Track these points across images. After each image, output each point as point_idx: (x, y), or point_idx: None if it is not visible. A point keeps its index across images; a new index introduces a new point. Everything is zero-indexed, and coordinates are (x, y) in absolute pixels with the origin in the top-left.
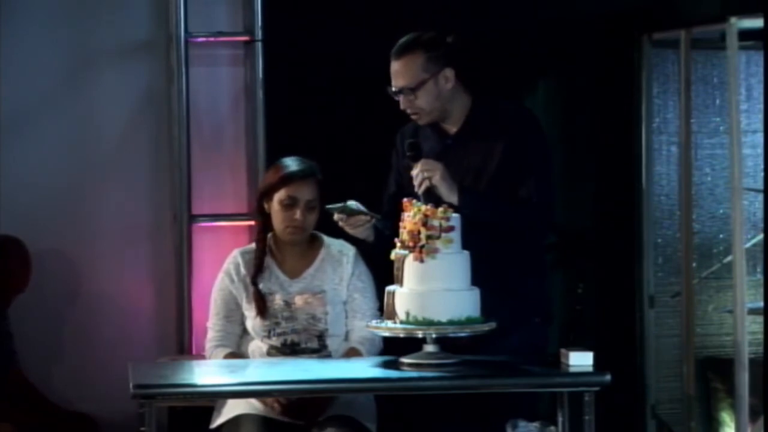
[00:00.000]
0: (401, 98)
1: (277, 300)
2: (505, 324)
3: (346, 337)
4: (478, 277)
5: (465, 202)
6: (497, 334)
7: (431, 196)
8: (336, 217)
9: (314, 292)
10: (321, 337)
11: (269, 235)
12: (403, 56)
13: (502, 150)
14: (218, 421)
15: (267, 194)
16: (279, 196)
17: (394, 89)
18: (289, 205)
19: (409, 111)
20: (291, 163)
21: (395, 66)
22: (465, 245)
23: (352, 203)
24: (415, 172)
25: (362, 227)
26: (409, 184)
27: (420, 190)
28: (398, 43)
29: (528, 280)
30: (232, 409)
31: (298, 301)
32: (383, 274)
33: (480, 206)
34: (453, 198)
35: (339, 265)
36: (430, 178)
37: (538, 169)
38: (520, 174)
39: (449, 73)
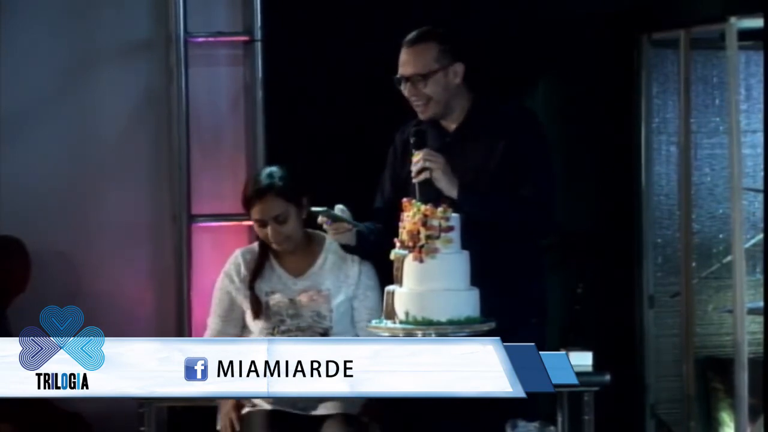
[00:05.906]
0: (408, 86)
1: (280, 298)
2: (504, 325)
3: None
4: (476, 278)
5: (465, 198)
6: (496, 335)
7: (428, 188)
8: (319, 219)
9: (319, 290)
10: (324, 335)
11: None
12: (417, 45)
13: (501, 149)
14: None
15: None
16: (251, 214)
17: (400, 77)
18: (261, 225)
19: (414, 99)
20: (253, 181)
21: (406, 54)
22: (463, 246)
23: (338, 209)
24: (416, 159)
25: (343, 234)
26: (405, 183)
27: (418, 179)
28: (411, 34)
29: (526, 280)
30: None
31: (303, 298)
32: (382, 274)
33: (480, 204)
34: (453, 193)
35: (344, 262)
36: (431, 169)
37: (538, 169)
38: (520, 174)
39: (459, 68)
